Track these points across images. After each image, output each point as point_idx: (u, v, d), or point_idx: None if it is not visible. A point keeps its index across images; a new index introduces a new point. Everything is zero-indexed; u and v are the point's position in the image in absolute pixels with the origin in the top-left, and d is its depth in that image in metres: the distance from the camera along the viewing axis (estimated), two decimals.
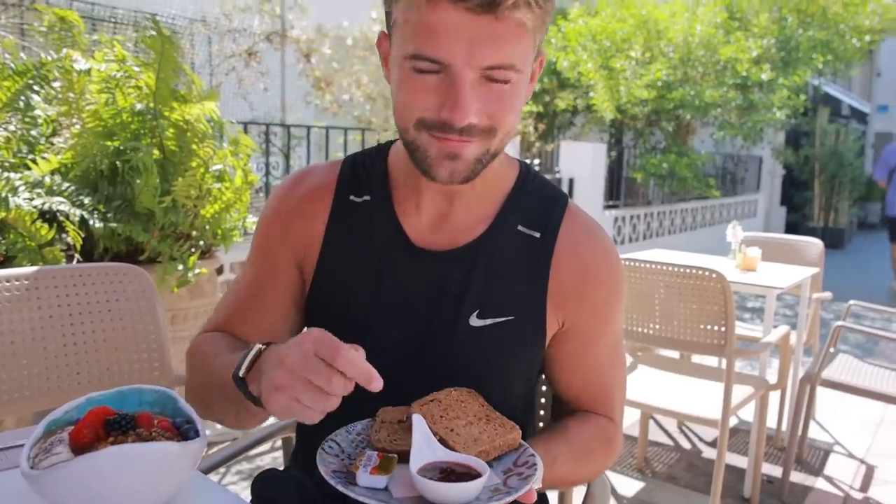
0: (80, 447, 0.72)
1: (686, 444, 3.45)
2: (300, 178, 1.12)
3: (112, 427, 0.73)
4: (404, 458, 0.84)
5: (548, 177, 6.88)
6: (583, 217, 1.09)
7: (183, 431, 0.77)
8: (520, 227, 1.05)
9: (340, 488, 0.79)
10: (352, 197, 1.08)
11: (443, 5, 0.83)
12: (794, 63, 8.56)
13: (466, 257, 1.03)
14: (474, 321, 1.01)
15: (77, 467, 0.68)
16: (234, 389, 0.86)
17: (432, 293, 1.03)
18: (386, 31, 0.96)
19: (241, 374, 0.84)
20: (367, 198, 1.07)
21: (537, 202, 1.07)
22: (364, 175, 1.10)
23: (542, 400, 1.36)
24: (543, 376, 1.20)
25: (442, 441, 0.86)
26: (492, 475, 0.84)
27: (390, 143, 1.13)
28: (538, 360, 1.09)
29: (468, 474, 0.81)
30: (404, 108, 0.92)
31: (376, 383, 0.76)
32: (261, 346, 0.85)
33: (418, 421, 0.86)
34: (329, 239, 1.07)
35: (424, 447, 0.84)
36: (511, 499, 0.79)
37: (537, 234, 1.05)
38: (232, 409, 0.94)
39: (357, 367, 0.75)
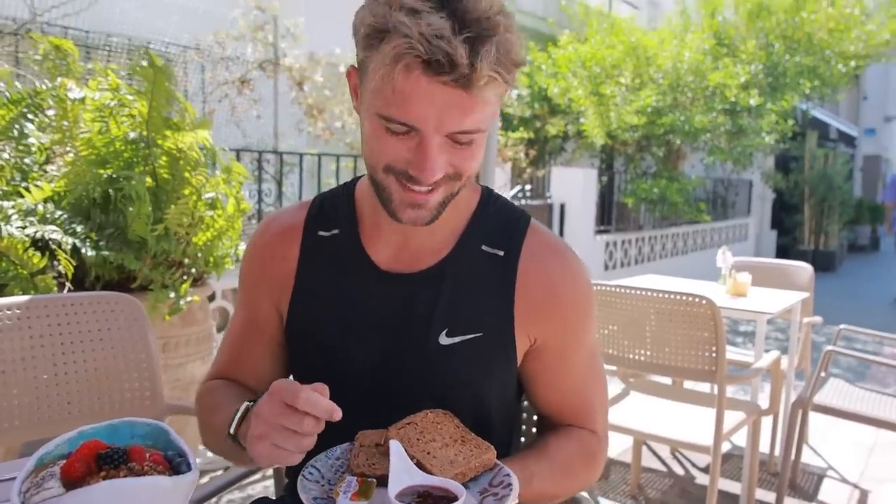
0: (71, 482, 0.71)
1: (679, 471, 3.44)
2: (270, 222, 1.19)
3: (104, 461, 0.73)
4: (383, 481, 0.86)
5: (539, 202, 6.89)
6: (546, 235, 1.12)
7: (175, 465, 0.77)
8: (483, 247, 1.08)
9: None
10: (321, 232, 1.13)
11: (417, 75, 0.86)
12: (781, 88, 8.67)
13: (433, 278, 1.07)
14: (443, 339, 1.04)
15: (69, 502, 0.68)
16: (232, 443, 0.94)
17: (401, 314, 1.06)
18: (356, 67, 0.99)
19: (231, 431, 0.94)
20: (335, 231, 1.12)
21: (500, 223, 1.11)
22: (332, 210, 1.15)
23: (525, 414, 1.37)
24: (524, 395, 1.21)
25: (419, 464, 0.88)
26: (468, 496, 0.86)
27: (356, 179, 1.18)
28: (511, 375, 1.11)
29: (445, 497, 0.83)
30: (374, 155, 0.96)
31: (336, 414, 0.83)
32: (248, 403, 0.93)
33: (395, 446, 0.88)
34: (301, 274, 1.12)
35: (402, 472, 0.86)
36: None
37: (501, 253, 1.08)
38: (237, 456, 1.00)
39: (319, 406, 0.82)
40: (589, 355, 1.14)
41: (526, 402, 1.36)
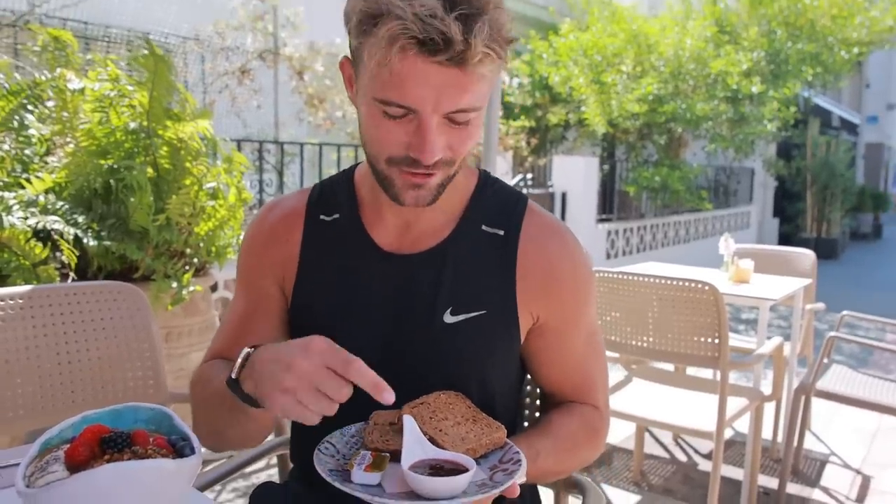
0: (76, 465, 0.72)
1: (682, 457, 3.44)
2: (271, 207, 1.19)
3: (108, 445, 0.73)
4: (396, 457, 0.89)
5: (541, 191, 6.88)
6: (545, 216, 1.14)
7: (178, 449, 0.77)
8: (484, 227, 1.11)
9: (337, 485, 0.83)
10: (322, 216, 1.14)
11: (412, 57, 0.87)
12: (783, 76, 8.63)
13: (435, 258, 1.08)
14: (448, 318, 1.06)
15: (73, 485, 0.69)
16: (233, 398, 0.91)
17: (405, 295, 1.08)
18: (349, 58, 1.00)
19: (233, 375, 0.91)
20: (336, 216, 1.14)
21: (498, 204, 1.13)
22: (332, 196, 1.17)
23: (528, 399, 1.37)
24: (529, 377, 1.24)
25: (431, 440, 0.91)
26: (478, 471, 0.89)
27: (355, 165, 1.19)
28: (514, 352, 1.13)
29: (456, 470, 0.85)
30: (375, 144, 0.97)
31: (387, 395, 0.82)
32: (249, 349, 0.91)
33: (409, 422, 0.91)
34: (304, 257, 1.13)
35: (415, 446, 0.89)
36: (496, 492, 0.84)
37: (501, 232, 1.10)
38: (235, 421, 0.98)
39: (368, 378, 0.81)
40: (589, 333, 1.16)
41: (529, 387, 1.36)
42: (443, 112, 0.92)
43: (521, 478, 0.87)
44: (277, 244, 1.15)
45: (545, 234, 1.11)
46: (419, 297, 1.07)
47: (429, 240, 1.10)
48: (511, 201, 1.14)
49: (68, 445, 0.75)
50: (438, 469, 0.86)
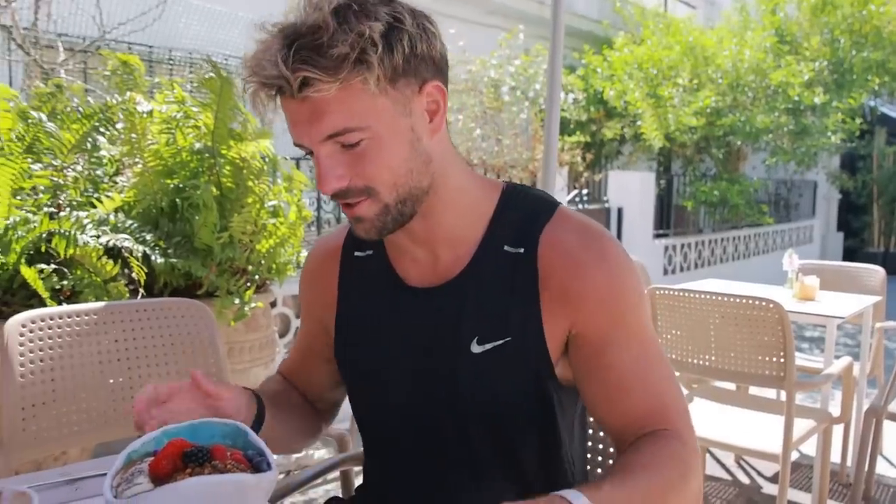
0: (159, 478, 0.75)
1: (745, 479, 3.35)
2: (315, 247, 1.26)
3: (189, 459, 0.76)
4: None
5: (596, 206, 6.76)
6: (571, 219, 1.06)
7: (255, 464, 0.79)
8: (506, 248, 1.05)
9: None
10: (356, 252, 1.18)
11: (282, 102, 0.93)
12: (848, 85, 8.42)
13: (458, 288, 1.06)
14: (475, 348, 1.03)
15: (158, 497, 0.71)
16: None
17: (432, 327, 1.07)
18: None
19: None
20: (369, 252, 1.16)
21: (521, 219, 1.06)
22: None
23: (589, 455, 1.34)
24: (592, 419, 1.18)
25: None
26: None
27: None
28: (546, 378, 1.04)
29: None
30: None
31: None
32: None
33: None
34: (342, 292, 1.18)
35: None
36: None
37: (521, 250, 1.04)
38: None
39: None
40: (641, 342, 1.02)
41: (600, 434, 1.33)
42: (318, 139, 0.93)
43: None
44: (319, 284, 1.21)
45: (567, 236, 1.03)
46: (446, 328, 1.05)
47: (451, 270, 1.07)
48: (534, 214, 1.06)
49: (151, 458, 0.78)
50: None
